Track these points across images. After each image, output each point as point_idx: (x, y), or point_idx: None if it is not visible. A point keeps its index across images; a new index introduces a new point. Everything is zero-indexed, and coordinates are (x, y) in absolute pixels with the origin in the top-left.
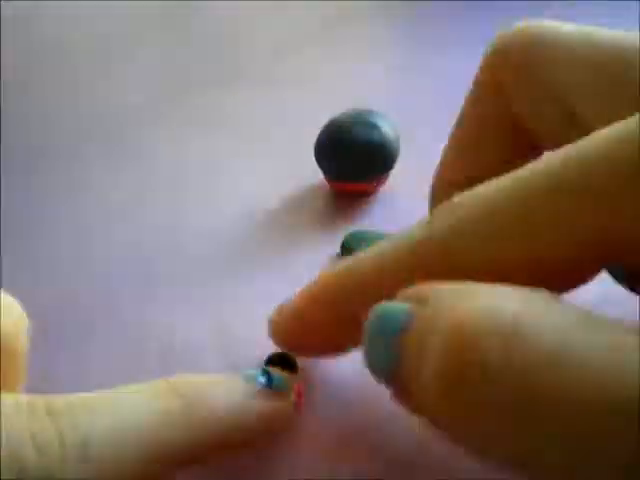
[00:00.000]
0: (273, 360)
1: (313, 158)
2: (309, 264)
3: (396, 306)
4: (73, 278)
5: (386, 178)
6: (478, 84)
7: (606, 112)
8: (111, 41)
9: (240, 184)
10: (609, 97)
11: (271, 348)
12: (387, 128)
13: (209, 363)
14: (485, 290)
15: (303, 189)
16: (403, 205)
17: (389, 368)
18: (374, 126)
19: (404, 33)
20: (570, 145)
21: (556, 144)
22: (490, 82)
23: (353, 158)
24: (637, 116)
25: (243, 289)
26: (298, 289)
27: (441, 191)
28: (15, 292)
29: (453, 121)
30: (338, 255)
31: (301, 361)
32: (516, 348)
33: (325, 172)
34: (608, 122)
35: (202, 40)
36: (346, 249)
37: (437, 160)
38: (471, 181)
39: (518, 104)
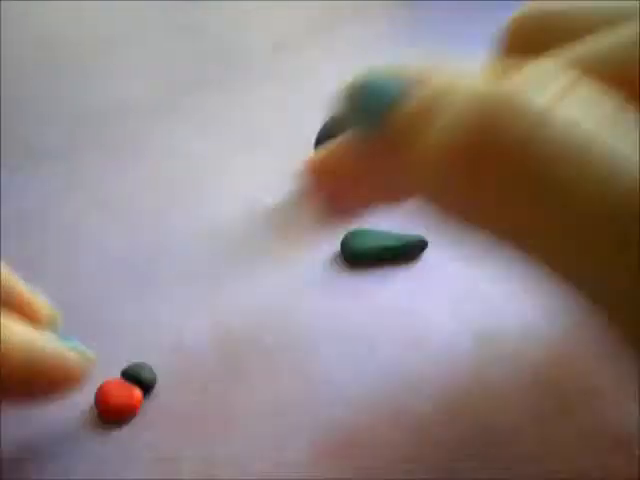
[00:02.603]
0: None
1: None
2: (309, 262)
3: (394, 76)
4: (73, 278)
5: None
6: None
7: None
8: (111, 41)
9: (240, 184)
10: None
11: (270, 346)
12: None
13: (209, 362)
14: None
15: (303, 189)
16: (403, 203)
17: (373, 133)
18: None
19: (404, 33)
20: None
21: None
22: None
23: None
24: None
25: (243, 288)
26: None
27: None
28: None
29: None
30: (338, 255)
31: (305, 363)
32: (539, 140)
33: None
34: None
35: (202, 40)
36: (346, 247)
37: None
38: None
39: None
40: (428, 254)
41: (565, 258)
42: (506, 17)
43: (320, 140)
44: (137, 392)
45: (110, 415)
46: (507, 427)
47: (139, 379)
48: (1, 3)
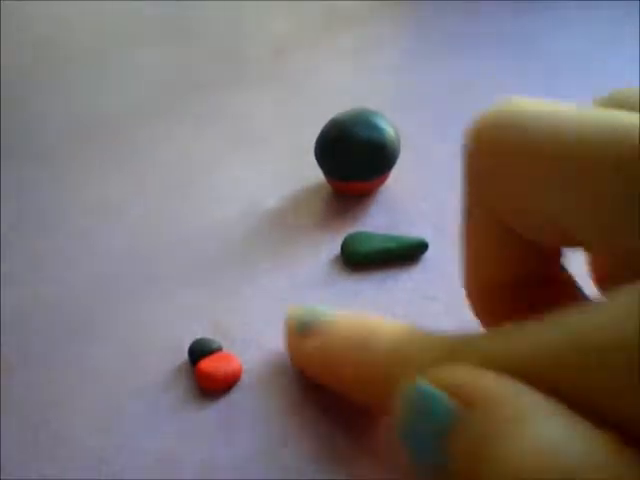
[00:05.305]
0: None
1: (313, 158)
2: (309, 264)
3: (440, 401)
4: (73, 278)
5: (386, 178)
6: (464, 177)
7: (589, 222)
8: (111, 41)
9: (240, 184)
10: (591, 208)
11: (271, 347)
12: (387, 128)
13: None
14: (543, 421)
15: (303, 189)
16: (403, 205)
17: (434, 468)
18: (374, 126)
19: (404, 33)
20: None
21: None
22: (472, 179)
23: (353, 158)
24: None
25: (243, 288)
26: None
27: (475, 297)
28: (15, 292)
29: (453, 121)
30: (338, 257)
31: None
32: None
33: (325, 172)
34: (594, 233)
35: (202, 40)
36: (346, 249)
37: (437, 160)
38: (499, 284)
39: (499, 207)
40: (428, 256)
41: None
42: (504, 20)
43: (320, 143)
44: (237, 361)
45: (215, 384)
46: None
47: (210, 350)
48: (1, 4)
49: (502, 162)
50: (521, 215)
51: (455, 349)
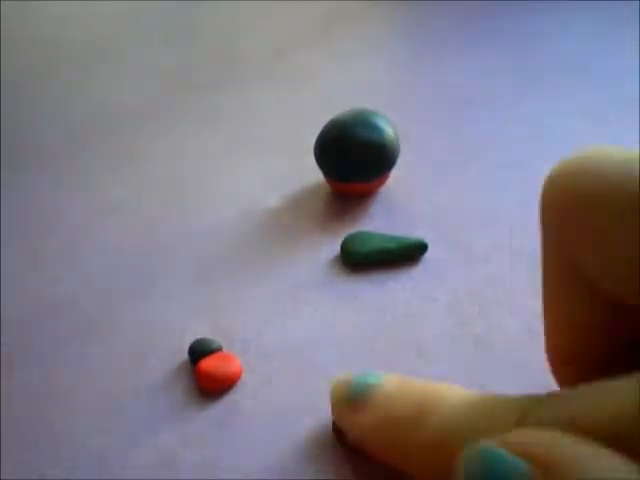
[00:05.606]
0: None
1: (313, 158)
2: (309, 264)
3: (512, 464)
4: (73, 278)
5: (386, 178)
6: (541, 232)
7: None
8: (111, 41)
9: (240, 184)
10: None
11: (270, 347)
12: (387, 128)
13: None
14: None
15: (303, 189)
16: (403, 205)
17: None
18: (374, 126)
19: (404, 33)
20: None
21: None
22: (549, 230)
23: (353, 158)
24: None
25: (243, 289)
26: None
27: (557, 367)
28: (16, 292)
29: (453, 121)
30: (338, 257)
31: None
32: None
33: (325, 172)
34: None
35: (202, 40)
36: (346, 249)
37: (437, 161)
38: (584, 350)
39: (582, 262)
40: (428, 257)
41: None
42: (505, 20)
43: (320, 144)
44: (237, 361)
45: (215, 384)
46: None
47: (210, 350)
48: (1, 3)
49: (581, 211)
50: (603, 265)
51: (526, 411)
